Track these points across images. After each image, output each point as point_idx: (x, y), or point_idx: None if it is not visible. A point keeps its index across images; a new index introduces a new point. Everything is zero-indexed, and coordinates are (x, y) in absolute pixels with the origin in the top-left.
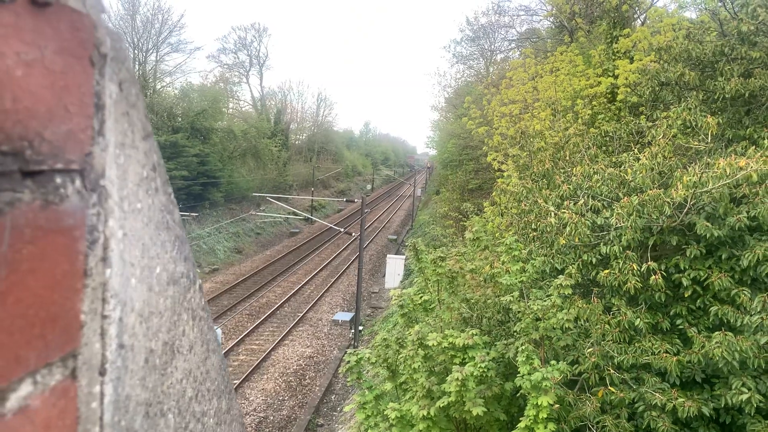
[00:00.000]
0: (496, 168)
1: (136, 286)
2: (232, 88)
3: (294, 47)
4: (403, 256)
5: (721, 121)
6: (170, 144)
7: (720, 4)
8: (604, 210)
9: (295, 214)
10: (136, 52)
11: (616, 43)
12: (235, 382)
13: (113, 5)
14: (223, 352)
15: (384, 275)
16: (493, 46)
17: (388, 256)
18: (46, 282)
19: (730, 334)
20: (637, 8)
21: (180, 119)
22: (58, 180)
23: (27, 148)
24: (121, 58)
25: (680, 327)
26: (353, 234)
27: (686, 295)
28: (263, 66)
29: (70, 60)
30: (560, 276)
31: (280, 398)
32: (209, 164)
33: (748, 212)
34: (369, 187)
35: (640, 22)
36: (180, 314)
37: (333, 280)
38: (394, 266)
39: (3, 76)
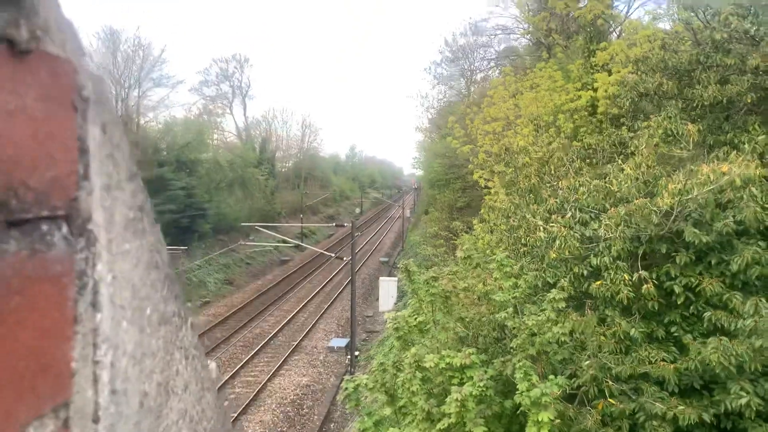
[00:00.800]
0: (482, 185)
1: (127, 329)
2: (216, 120)
3: (281, 70)
4: (396, 278)
5: (701, 128)
6: (156, 178)
7: (692, 14)
8: (592, 222)
9: (285, 241)
10: (118, 88)
11: (593, 56)
12: (232, 415)
13: (93, 44)
14: (219, 385)
15: (377, 298)
16: (472, 66)
17: (380, 278)
18: (36, 332)
19: (725, 338)
20: (612, 22)
21: (165, 153)
22: (45, 227)
23: (12, 198)
24: (103, 101)
25: (675, 334)
26: (344, 259)
27: (679, 303)
28: (246, 96)
29: (53, 106)
30: (553, 290)
31: (279, 430)
32: (196, 196)
33: (734, 216)
34: (358, 210)
35: (616, 35)
36: (173, 354)
37: (326, 306)
38: (387, 289)
39: None
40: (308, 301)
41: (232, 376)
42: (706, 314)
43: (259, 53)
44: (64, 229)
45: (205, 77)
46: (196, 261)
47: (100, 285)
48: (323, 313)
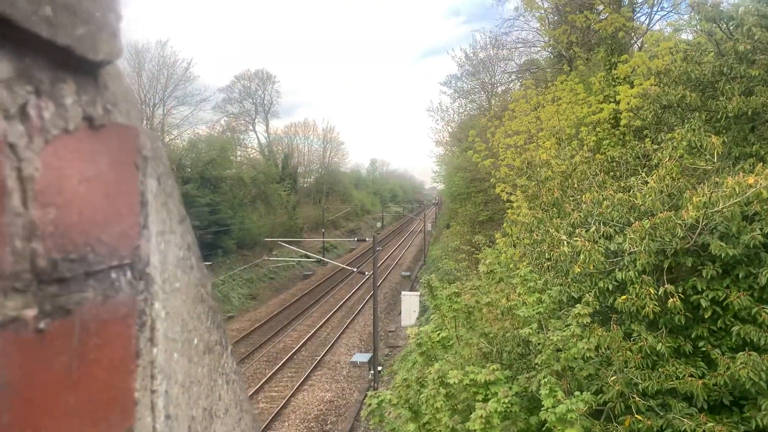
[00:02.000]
0: (505, 199)
1: (177, 360)
2: (239, 137)
3: (296, 75)
4: (418, 293)
5: (726, 139)
6: (181, 195)
7: (715, 25)
8: (617, 235)
9: (307, 256)
10: (143, 107)
11: (615, 69)
12: None
13: (119, 64)
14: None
15: (400, 313)
16: (493, 79)
17: (402, 293)
18: (108, 368)
19: (755, 353)
20: (633, 34)
21: (189, 170)
22: (114, 275)
23: (90, 252)
24: (158, 156)
25: (703, 349)
26: (366, 273)
27: (706, 317)
28: (269, 113)
29: (120, 168)
30: (578, 305)
31: None
32: (220, 212)
33: (761, 229)
34: (379, 224)
35: (637, 47)
36: (216, 380)
37: (348, 320)
38: (410, 303)
39: (70, 195)
40: (331, 316)
41: (256, 392)
42: (735, 328)
43: (272, 60)
44: (129, 274)
45: (229, 95)
46: (220, 276)
47: (157, 321)
48: (346, 327)
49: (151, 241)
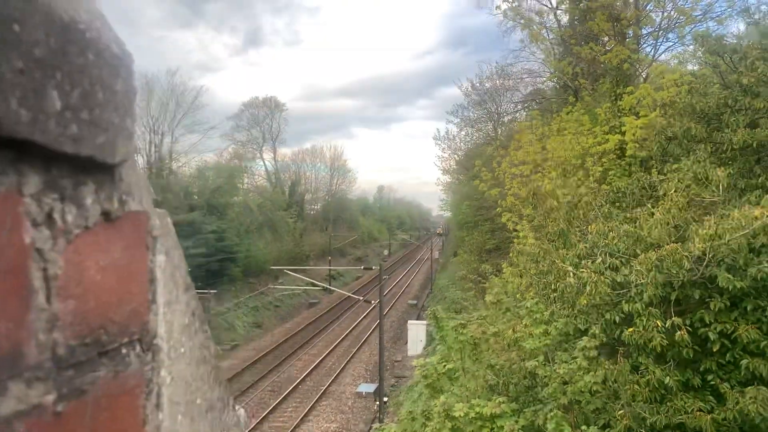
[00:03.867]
0: (511, 229)
1: (181, 421)
2: (246, 164)
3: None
4: (425, 322)
5: (732, 171)
6: (187, 222)
7: (719, 57)
8: (623, 267)
9: (313, 284)
10: (152, 135)
11: (620, 100)
12: None
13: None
14: (247, 431)
15: (406, 342)
16: (499, 109)
17: (409, 322)
18: None
19: (764, 387)
20: (638, 65)
21: (196, 197)
22: (124, 351)
23: (103, 334)
24: (166, 231)
25: (712, 383)
26: (372, 302)
27: (715, 350)
28: (276, 140)
29: (132, 251)
30: (584, 337)
31: None
32: (226, 240)
33: None
34: (386, 252)
35: (642, 79)
36: None
37: (354, 350)
38: (416, 332)
39: (88, 285)
40: (336, 345)
41: (261, 422)
42: (744, 362)
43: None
44: (138, 348)
45: (237, 123)
46: (226, 304)
47: (162, 388)
48: (351, 357)
49: (158, 314)
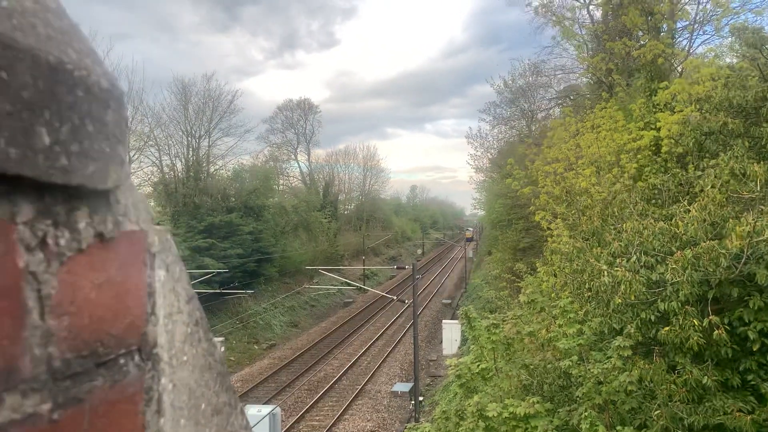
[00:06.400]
0: (545, 227)
1: (185, 425)
2: (281, 166)
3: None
4: (459, 321)
5: None
6: (225, 224)
7: (757, 50)
8: (658, 265)
9: (347, 284)
10: (189, 139)
11: (655, 95)
12: None
13: (166, 97)
14: (284, 429)
15: (441, 341)
16: (533, 106)
17: (443, 321)
18: None
19: None
20: (673, 60)
21: (233, 199)
22: (122, 361)
23: (99, 346)
24: (166, 247)
25: (752, 383)
26: (406, 301)
27: (755, 349)
28: (310, 142)
29: (129, 269)
30: (618, 336)
31: None
32: (263, 240)
33: None
34: (419, 251)
35: (678, 73)
36: None
37: (389, 349)
38: (451, 332)
39: (82, 302)
40: (371, 344)
41: (297, 420)
42: None
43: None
44: (136, 358)
45: (271, 125)
46: (263, 304)
47: (163, 395)
48: (387, 356)
49: (158, 325)
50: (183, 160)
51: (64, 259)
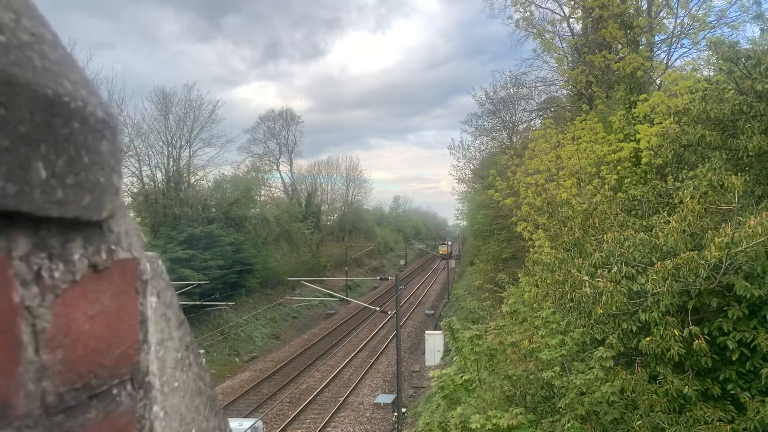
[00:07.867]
0: (526, 238)
1: None
2: (263, 176)
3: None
4: (442, 332)
5: (748, 178)
6: (205, 235)
7: (733, 63)
8: (639, 276)
9: (330, 295)
10: (169, 149)
11: (634, 108)
12: None
13: (147, 107)
14: None
15: (424, 352)
16: (514, 117)
17: (426, 332)
18: None
19: None
20: (652, 73)
21: (214, 210)
22: (115, 391)
23: (93, 378)
24: (157, 274)
25: (732, 392)
26: (389, 312)
27: (734, 359)
28: (292, 152)
29: (121, 298)
30: (600, 347)
31: None
32: (244, 251)
33: None
34: (402, 262)
35: (656, 86)
36: None
37: (372, 360)
38: (434, 342)
39: (76, 334)
40: (354, 356)
41: None
42: (764, 371)
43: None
44: (129, 387)
45: (253, 135)
46: (244, 316)
47: (155, 423)
48: (369, 367)
49: (150, 353)
50: (163, 171)
51: (58, 292)
